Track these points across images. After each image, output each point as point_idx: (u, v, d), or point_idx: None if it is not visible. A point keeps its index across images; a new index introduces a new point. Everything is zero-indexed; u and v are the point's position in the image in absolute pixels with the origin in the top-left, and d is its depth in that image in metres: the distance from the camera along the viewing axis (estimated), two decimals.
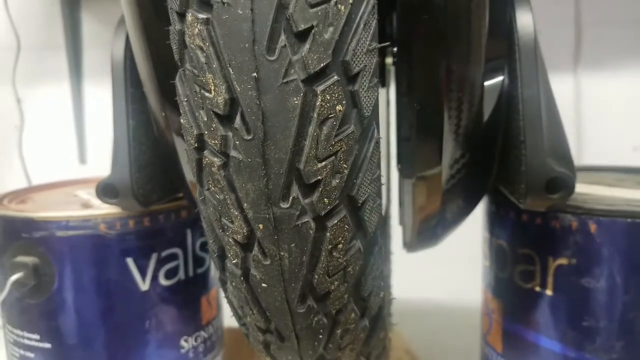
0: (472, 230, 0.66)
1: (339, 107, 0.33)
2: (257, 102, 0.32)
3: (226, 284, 0.42)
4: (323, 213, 0.35)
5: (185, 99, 0.36)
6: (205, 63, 0.33)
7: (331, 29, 0.32)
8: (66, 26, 1.11)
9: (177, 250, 0.63)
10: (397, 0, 0.41)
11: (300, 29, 0.31)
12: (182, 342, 0.65)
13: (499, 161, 0.53)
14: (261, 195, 0.34)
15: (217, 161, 0.35)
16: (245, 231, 0.36)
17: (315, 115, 0.32)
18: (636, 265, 0.50)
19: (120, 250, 0.58)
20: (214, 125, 0.34)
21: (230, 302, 0.44)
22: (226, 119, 0.34)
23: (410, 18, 0.41)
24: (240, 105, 0.33)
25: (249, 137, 0.33)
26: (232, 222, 0.36)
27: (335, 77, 0.32)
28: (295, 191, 0.34)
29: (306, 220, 0.35)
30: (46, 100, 1.19)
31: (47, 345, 0.59)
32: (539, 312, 0.55)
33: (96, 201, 0.56)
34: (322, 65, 0.32)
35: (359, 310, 0.41)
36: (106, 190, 0.55)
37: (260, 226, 0.35)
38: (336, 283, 0.37)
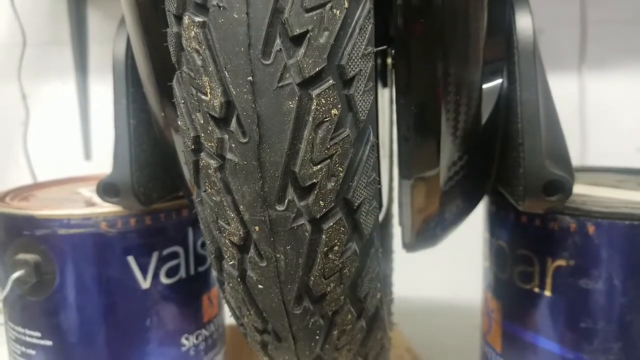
0: (473, 230, 0.66)
1: (334, 111, 0.33)
2: (253, 106, 0.32)
3: (224, 284, 0.42)
4: (319, 216, 0.35)
5: (182, 101, 0.36)
6: (202, 66, 0.33)
7: (326, 33, 0.32)
8: (72, 22, 1.12)
9: (178, 249, 0.63)
10: (395, 2, 0.41)
11: (295, 33, 0.31)
12: (183, 340, 0.65)
13: (498, 163, 0.53)
14: (257, 197, 0.34)
15: (213, 163, 0.35)
16: (241, 233, 0.36)
17: (310, 118, 0.33)
18: (634, 267, 0.50)
19: (121, 249, 0.58)
20: (210, 128, 0.34)
21: (228, 303, 0.44)
22: (222, 122, 0.34)
23: (407, 19, 0.41)
24: (236, 109, 0.33)
25: (245, 140, 0.33)
26: (228, 224, 0.36)
27: (331, 81, 0.32)
28: (290, 194, 0.34)
29: (302, 222, 0.35)
30: (51, 96, 1.19)
31: (49, 343, 0.59)
32: (538, 313, 0.55)
33: (99, 199, 0.56)
34: (317, 69, 0.32)
35: (356, 311, 0.41)
36: (107, 189, 0.55)
37: (257, 228, 0.35)
38: (332, 285, 0.38)
